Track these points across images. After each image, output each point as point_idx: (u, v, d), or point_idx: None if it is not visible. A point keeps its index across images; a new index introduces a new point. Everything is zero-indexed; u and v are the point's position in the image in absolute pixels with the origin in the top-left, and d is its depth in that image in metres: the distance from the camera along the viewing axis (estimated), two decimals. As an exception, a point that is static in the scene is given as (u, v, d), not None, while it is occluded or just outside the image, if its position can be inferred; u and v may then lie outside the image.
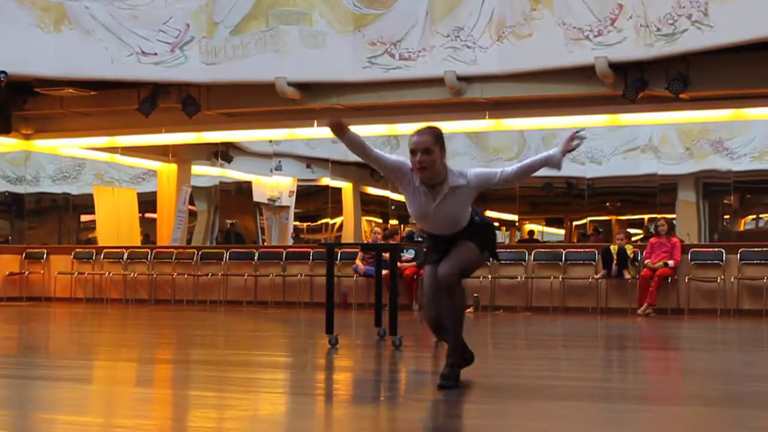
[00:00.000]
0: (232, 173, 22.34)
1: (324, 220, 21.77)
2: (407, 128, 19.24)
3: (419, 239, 16.82)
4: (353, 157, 20.95)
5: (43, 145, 21.79)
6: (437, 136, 6.49)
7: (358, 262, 17.35)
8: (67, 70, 18.39)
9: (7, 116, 19.85)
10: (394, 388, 7.20)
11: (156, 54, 18.40)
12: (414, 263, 16.78)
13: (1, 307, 17.94)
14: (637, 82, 16.26)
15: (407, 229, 18.92)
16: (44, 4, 18.20)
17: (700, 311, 15.84)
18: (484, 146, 20.40)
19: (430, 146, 6.37)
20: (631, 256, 16.23)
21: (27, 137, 21.39)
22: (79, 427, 5.04)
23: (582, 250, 17.27)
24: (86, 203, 22.17)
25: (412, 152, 6.37)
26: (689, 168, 19.01)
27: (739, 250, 16.14)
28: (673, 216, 18.65)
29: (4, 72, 17.96)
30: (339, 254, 16.95)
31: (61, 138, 21.52)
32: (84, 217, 23.40)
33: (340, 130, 6.31)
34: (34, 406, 5.95)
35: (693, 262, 16.11)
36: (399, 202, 21.32)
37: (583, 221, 20.62)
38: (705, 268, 16.12)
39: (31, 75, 18.65)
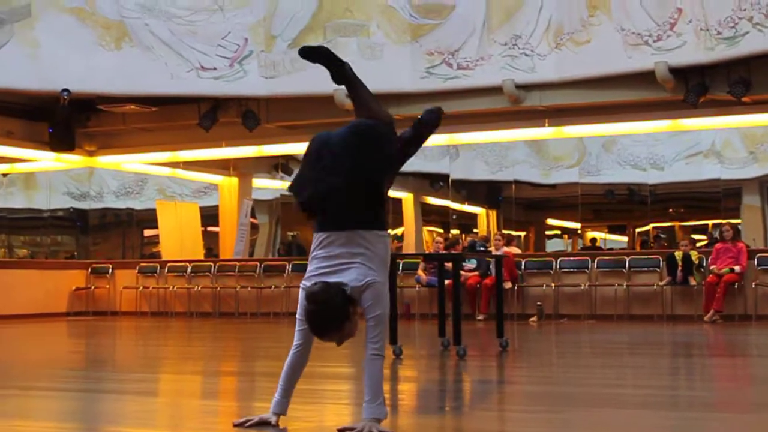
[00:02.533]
0: (292, 185, 22.41)
1: (385, 231, 21.76)
2: (466, 138, 19.32)
3: (481, 248, 16.78)
4: (414, 168, 21.11)
5: (107, 161, 22.04)
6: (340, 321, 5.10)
7: (420, 272, 17.33)
8: (129, 86, 18.60)
9: (71, 133, 20.12)
10: (459, 398, 7.18)
11: (215, 69, 18.54)
12: (476, 273, 16.75)
13: (68, 322, 18.15)
14: (698, 87, 16.09)
15: (469, 238, 18.88)
16: (105, 22, 18.43)
17: (768, 317, 15.63)
18: (544, 154, 20.34)
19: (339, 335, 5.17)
20: (696, 262, 16.06)
21: (90, 154, 21.65)
22: (146, 440, 5.09)
23: (646, 257, 17.11)
24: (149, 218, 22.39)
25: None
26: (753, 172, 18.80)
27: (807, 255, 15.92)
28: (738, 221, 18.44)
29: (67, 90, 18.21)
30: (401, 265, 16.95)
31: (124, 154, 21.75)
32: (147, 232, 23.65)
33: None
34: (102, 419, 6.01)
35: (760, 268, 15.89)
36: (459, 211, 21.30)
37: (646, 228, 20.46)
38: (772, 274, 15.91)
39: (94, 92, 18.88)
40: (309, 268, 5.20)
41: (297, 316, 5.26)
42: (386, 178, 5.39)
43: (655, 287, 16.37)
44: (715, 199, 18.83)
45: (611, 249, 20.26)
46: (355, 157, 5.16)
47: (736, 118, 17.32)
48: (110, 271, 20.66)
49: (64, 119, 19.64)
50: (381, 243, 5.19)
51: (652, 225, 20.39)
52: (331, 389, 7.39)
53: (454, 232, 20.94)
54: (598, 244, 21.21)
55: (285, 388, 5.26)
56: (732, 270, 15.53)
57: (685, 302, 16.22)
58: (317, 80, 18.17)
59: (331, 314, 4.97)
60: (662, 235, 20.26)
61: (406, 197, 21.73)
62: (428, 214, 22.41)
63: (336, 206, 5.14)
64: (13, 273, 19.20)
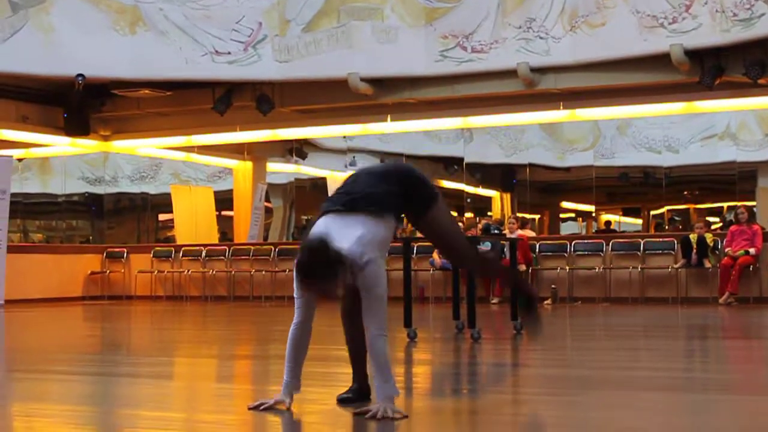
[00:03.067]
0: (306, 169, 22.47)
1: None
2: (481, 121, 19.30)
3: (496, 231, 16.77)
4: (427, 151, 21.10)
5: (121, 145, 22.09)
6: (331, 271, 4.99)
7: (434, 255, 17.33)
8: (143, 71, 18.63)
9: (86, 118, 20.15)
10: (474, 381, 7.19)
11: (230, 53, 18.55)
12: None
13: (83, 306, 18.22)
14: (713, 69, 16.03)
15: (483, 221, 18.86)
16: (119, 7, 18.44)
17: (783, 299, 15.60)
18: (558, 137, 20.29)
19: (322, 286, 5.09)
20: (711, 244, 16.02)
21: (105, 138, 21.69)
22: (162, 422, 5.11)
23: (661, 239, 17.07)
24: (164, 202, 22.44)
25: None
26: (769, 155, 18.72)
27: (822, 237, 15.86)
28: (754, 203, 18.38)
29: (82, 75, 18.24)
30: (415, 248, 16.96)
31: (139, 138, 21.80)
32: (162, 216, 23.69)
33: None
34: (118, 402, 6.03)
35: (775, 250, 15.86)
36: (474, 195, 21.28)
37: (661, 210, 20.41)
38: (787, 256, 15.87)
39: (108, 77, 18.92)
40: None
41: (294, 293, 5.28)
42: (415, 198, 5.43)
43: (669, 270, 16.34)
44: (731, 181, 18.77)
45: (625, 232, 20.22)
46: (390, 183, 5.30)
47: (751, 100, 17.25)
48: (125, 255, 20.73)
49: (79, 104, 19.68)
50: (384, 225, 5.17)
51: (666, 208, 20.34)
52: (346, 372, 7.41)
53: (469, 215, 20.92)
54: (612, 227, 21.16)
55: (292, 368, 5.24)
56: (747, 252, 15.50)
57: (700, 285, 16.20)
58: (331, 64, 18.38)
59: (323, 260, 4.92)
60: (677, 218, 20.22)
61: (421, 181, 21.69)
62: (443, 198, 22.38)
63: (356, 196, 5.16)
64: (29, 257, 19.28)
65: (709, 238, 16.06)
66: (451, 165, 20.96)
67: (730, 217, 17.85)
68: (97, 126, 21.19)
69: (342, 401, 5.46)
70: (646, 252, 16.76)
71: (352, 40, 18.02)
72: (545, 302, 16.40)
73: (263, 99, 18.97)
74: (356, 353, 5.54)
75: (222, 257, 19.91)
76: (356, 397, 5.47)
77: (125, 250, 20.91)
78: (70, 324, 14.12)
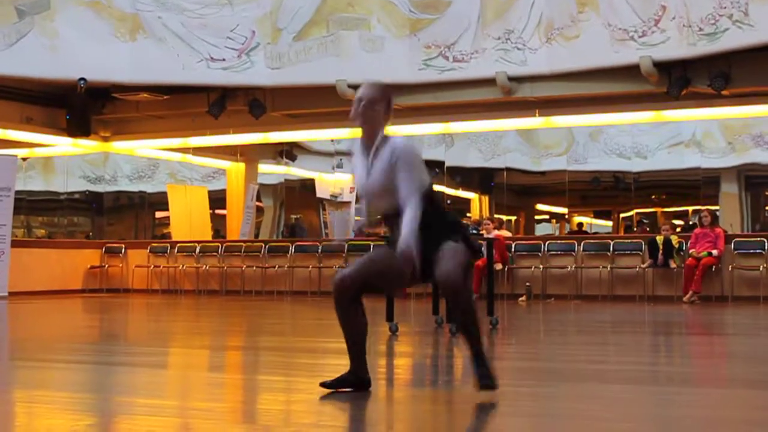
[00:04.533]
0: (296, 171, 22.46)
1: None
2: (461, 127, 19.32)
3: (474, 231, 16.78)
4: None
5: (121, 146, 22.02)
6: (385, 93, 5.39)
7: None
8: (142, 76, 18.59)
9: (87, 120, 20.11)
10: (451, 372, 7.19)
11: (224, 60, 18.52)
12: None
13: (83, 298, 18.17)
14: (680, 80, 16.10)
15: (465, 222, 18.87)
16: (120, 15, 18.40)
17: (744, 298, 15.64)
18: (534, 143, 20.33)
19: (376, 100, 5.32)
20: (676, 246, 16.07)
21: (105, 139, 21.63)
22: (156, 409, 5.10)
23: (629, 240, 17.12)
24: (161, 201, 22.38)
25: (357, 101, 5.41)
26: (732, 161, 18.81)
27: (781, 240, 15.94)
28: (717, 207, 18.46)
29: (83, 79, 18.20)
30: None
31: (137, 140, 21.75)
32: (159, 214, 23.65)
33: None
34: (114, 390, 6.02)
35: (736, 252, 15.92)
36: (454, 196, 21.29)
37: (630, 213, 20.47)
38: (748, 257, 15.91)
39: (109, 81, 18.88)
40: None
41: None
42: None
43: (637, 269, 16.39)
44: (695, 186, 18.84)
45: (597, 233, 20.27)
46: None
47: (716, 110, 17.32)
48: (123, 250, 20.67)
49: (81, 106, 19.65)
50: None
51: (635, 211, 20.40)
52: (332, 363, 7.41)
53: (449, 215, 20.90)
54: (584, 229, 21.22)
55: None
56: (710, 254, 15.55)
57: (666, 284, 16.25)
58: (320, 71, 18.37)
59: None
60: (645, 221, 20.27)
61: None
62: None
63: None
64: (32, 252, 19.21)
65: (674, 239, 16.11)
66: (433, 168, 20.96)
67: (695, 220, 17.91)
68: (98, 127, 21.13)
69: (335, 384, 5.34)
70: (616, 252, 16.80)
71: (340, 48, 18.01)
72: (520, 299, 16.43)
73: (255, 103, 18.96)
74: (353, 342, 5.35)
75: (215, 253, 19.88)
76: (353, 380, 5.34)
77: (123, 245, 20.86)
78: (70, 315, 14.08)
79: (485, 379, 5.13)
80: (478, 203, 21.88)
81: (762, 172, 18.85)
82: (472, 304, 5.16)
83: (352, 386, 5.33)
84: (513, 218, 21.69)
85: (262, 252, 19.44)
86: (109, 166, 22.72)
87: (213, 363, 7.86)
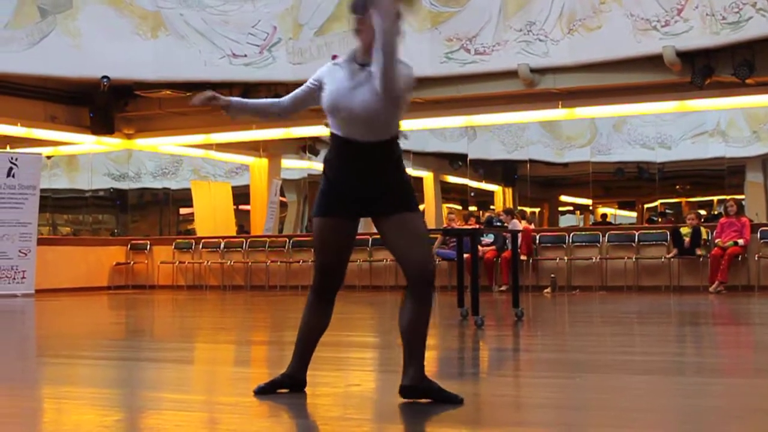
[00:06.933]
0: (319, 165, 22.43)
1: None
2: (484, 119, 19.28)
3: (498, 224, 16.75)
4: (433, 148, 21.09)
5: (144, 143, 22.11)
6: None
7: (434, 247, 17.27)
8: (165, 73, 18.65)
9: (110, 118, 20.20)
10: (477, 365, 7.18)
11: (246, 56, 18.56)
12: (493, 247, 16.73)
13: (109, 295, 18.25)
14: (703, 69, 16.00)
15: (487, 215, 18.85)
16: (142, 13, 18.46)
17: (770, 288, 15.57)
18: (557, 134, 20.27)
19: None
20: (705, 236, 15.99)
21: (129, 137, 21.72)
22: (182, 404, 5.11)
23: (654, 231, 17.05)
24: (185, 197, 22.46)
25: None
26: (756, 150, 18.70)
27: (808, 228, 15.83)
28: (742, 197, 18.35)
29: (107, 77, 18.27)
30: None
31: (160, 137, 21.82)
32: (183, 210, 23.73)
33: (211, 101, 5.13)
34: (141, 385, 6.04)
35: (762, 241, 15.81)
36: (477, 189, 21.27)
37: (654, 204, 20.39)
38: (774, 246, 15.83)
39: (132, 79, 18.94)
40: None
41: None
42: None
43: (662, 260, 16.32)
44: (720, 176, 18.74)
45: (621, 224, 20.20)
46: None
47: (740, 99, 17.21)
48: (148, 247, 20.75)
49: (104, 104, 19.74)
50: None
51: (659, 201, 20.31)
52: (356, 356, 7.41)
53: (472, 208, 20.91)
54: (608, 220, 21.14)
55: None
56: (736, 243, 15.46)
57: (691, 274, 16.17)
58: (342, 66, 18.28)
59: None
60: (669, 211, 20.18)
61: (427, 176, 21.70)
62: (447, 192, 22.39)
63: None
64: (58, 249, 19.30)
65: (704, 231, 16.02)
66: (456, 161, 20.95)
67: (720, 210, 17.81)
68: (121, 125, 21.21)
69: (267, 388, 5.15)
70: (640, 243, 16.72)
71: (361, 43, 17.97)
72: (545, 291, 16.39)
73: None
74: (305, 341, 5.24)
75: (239, 249, 19.92)
76: (290, 383, 5.16)
77: (148, 242, 20.93)
78: (96, 312, 14.14)
79: (414, 385, 4.95)
80: (501, 196, 21.84)
81: (787, 160, 18.73)
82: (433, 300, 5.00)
83: (288, 388, 5.17)
84: (537, 210, 21.66)
85: (286, 247, 19.46)
86: (132, 164, 22.80)
87: (239, 358, 7.88)
